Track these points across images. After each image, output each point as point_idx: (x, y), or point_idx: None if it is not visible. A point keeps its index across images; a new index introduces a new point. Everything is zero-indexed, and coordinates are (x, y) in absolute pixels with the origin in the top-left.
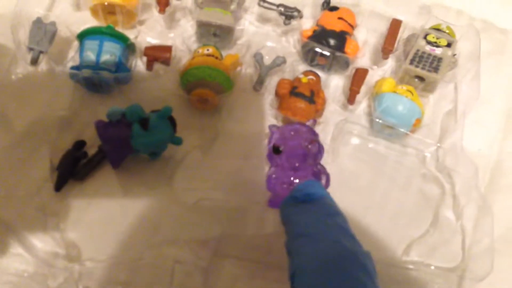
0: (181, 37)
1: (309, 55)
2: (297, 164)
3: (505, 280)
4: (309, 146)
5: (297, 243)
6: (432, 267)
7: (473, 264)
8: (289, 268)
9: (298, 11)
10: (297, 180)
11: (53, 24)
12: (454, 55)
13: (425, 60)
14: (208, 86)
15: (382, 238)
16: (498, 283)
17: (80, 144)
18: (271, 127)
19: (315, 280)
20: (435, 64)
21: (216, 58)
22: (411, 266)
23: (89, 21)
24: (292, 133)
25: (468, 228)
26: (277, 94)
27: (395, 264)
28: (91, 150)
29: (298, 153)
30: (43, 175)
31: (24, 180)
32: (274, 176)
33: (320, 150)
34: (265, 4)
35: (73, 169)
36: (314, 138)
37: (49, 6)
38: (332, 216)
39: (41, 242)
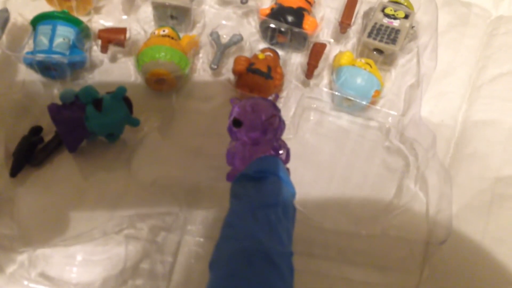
0: (138, 20)
1: (267, 33)
2: (256, 138)
3: (468, 244)
4: (270, 120)
5: (222, 232)
6: (397, 235)
7: (435, 229)
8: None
9: None
10: (255, 155)
11: (5, 10)
12: (413, 27)
13: (383, 33)
14: (163, 66)
15: (346, 209)
16: (460, 247)
17: (36, 130)
18: (233, 100)
19: (222, 273)
20: (392, 36)
21: (172, 38)
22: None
23: (44, 8)
24: (254, 106)
25: (431, 197)
26: (234, 71)
27: (360, 234)
28: (48, 136)
29: (258, 127)
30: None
31: None
32: (233, 150)
33: (280, 125)
34: None
35: (29, 154)
36: (275, 112)
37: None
38: (265, 207)
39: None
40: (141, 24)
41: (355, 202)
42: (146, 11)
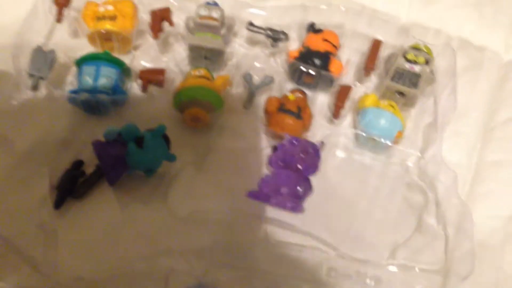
0: (174, 60)
1: (296, 75)
2: (282, 164)
3: (484, 282)
4: (301, 155)
5: None
6: (417, 269)
7: (455, 265)
8: None
9: (285, 34)
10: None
11: (52, 51)
12: (431, 71)
13: (405, 77)
14: (200, 105)
15: (369, 243)
16: (475, 283)
17: (78, 164)
18: (288, 135)
19: None
20: (414, 80)
21: (208, 79)
22: (396, 269)
23: (86, 48)
24: (296, 141)
25: (450, 233)
26: (266, 111)
27: (381, 266)
28: (89, 169)
29: (289, 156)
30: (43, 193)
31: (25, 199)
32: (266, 176)
33: (313, 166)
34: (253, 28)
35: (71, 187)
36: (312, 152)
37: (48, 35)
38: None
39: (41, 258)
40: (179, 65)
41: (377, 235)
42: (180, 51)
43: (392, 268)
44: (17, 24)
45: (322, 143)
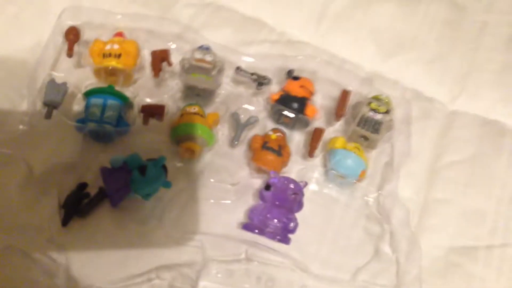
0: (170, 95)
1: (276, 115)
2: (277, 203)
3: None
4: (294, 195)
5: None
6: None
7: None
8: None
9: (268, 78)
10: (273, 218)
11: (65, 84)
12: (391, 120)
13: (368, 124)
14: (194, 140)
15: (334, 266)
16: None
17: (83, 186)
18: (273, 172)
19: None
20: (376, 127)
21: (201, 116)
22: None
23: (89, 78)
24: (286, 180)
25: (401, 259)
26: (250, 147)
27: (344, 285)
28: (92, 190)
29: (282, 196)
30: (52, 211)
31: (36, 215)
32: (257, 207)
33: (299, 204)
34: (241, 72)
35: (77, 207)
36: (299, 192)
37: (57, 65)
38: None
39: (51, 269)
40: (173, 99)
41: (341, 259)
42: (173, 86)
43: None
44: (25, 52)
45: (306, 183)
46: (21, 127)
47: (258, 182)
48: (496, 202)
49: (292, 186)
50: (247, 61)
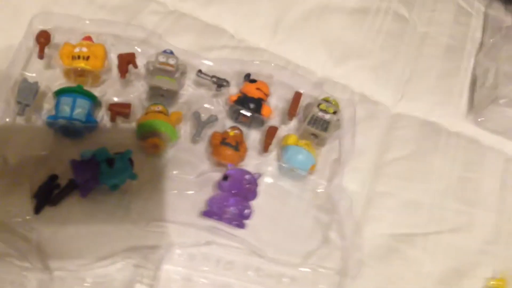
0: (136, 95)
1: (234, 115)
2: (233, 192)
3: (370, 284)
4: (249, 185)
5: None
6: (322, 270)
7: (349, 269)
8: None
9: (227, 81)
10: (229, 206)
11: (36, 83)
12: (338, 120)
13: (318, 123)
14: (158, 136)
15: (287, 251)
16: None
17: (53, 177)
18: (231, 165)
19: None
20: (325, 126)
21: (165, 114)
22: (306, 270)
23: (58, 79)
24: (242, 172)
25: (346, 246)
26: (210, 143)
27: (296, 267)
28: (62, 182)
29: (239, 186)
30: (25, 200)
31: (9, 204)
32: (216, 196)
33: (254, 193)
34: (202, 75)
35: (48, 196)
36: (254, 182)
37: (24, 66)
38: None
39: (23, 251)
40: (139, 99)
41: (293, 245)
42: (139, 87)
43: (304, 269)
44: None
45: (260, 175)
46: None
47: (217, 175)
48: (432, 195)
49: (247, 177)
50: (207, 65)
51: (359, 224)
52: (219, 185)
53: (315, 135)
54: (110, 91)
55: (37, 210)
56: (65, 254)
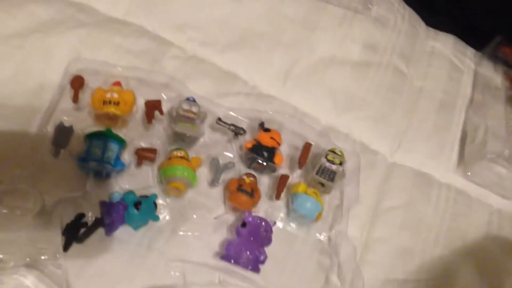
0: (158, 137)
1: (248, 161)
2: (251, 238)
3: None
4: (265, 232)
5: None
6: None
7: None
8: None
9: (244, 130)
10: (246, 251)
11: (71, 127)
12: (343, 170)
13: (325, 173)
14: (181, 180)
15: None
16: None
17: (81, 216)
18: (248, 212)
19: None
20: (332, 176)
21: (186, 159)
22: None
23: (86, 120)
24: (259, 220)
25: None
26: (227, 189)
27: None
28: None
29: (256, 232)
30: (57, 238)
31: (43, 241)
32: (233, 241)
33: (269, 240)
34: (221, 123)
35: (75, 234)
36: (269, 229)
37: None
38: None
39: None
40: (164, 145)
41: (298, 286)
42: (160, 130)
43: None
44: (30, 94)
45: (275, 222)
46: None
47: (232, 218)
48: (422, 242)
49: (264, 224)
50: (224, 112)
51: (359, 268)
52: (237, 231)
53: (322, 184)
54: (134, 133)
55: (66, 247)
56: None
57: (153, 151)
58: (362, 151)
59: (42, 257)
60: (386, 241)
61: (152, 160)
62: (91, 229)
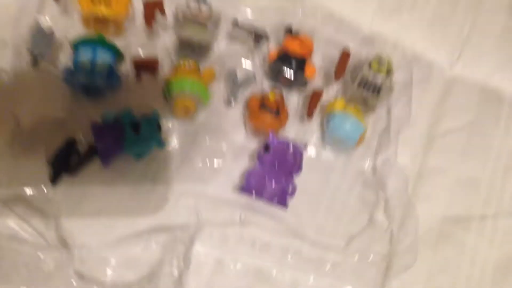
0: (165, 48)
1: (274, 74)
2: (276, 165)
3: (418, 273)
4: (292, 158)
5: None
6: (368, 257)
7: (399, 256)
8: None
9: (267, 35)
10: (271, 181)
11: (52, 33)
12: (391, 82)
13: (368, 85)
14: (190, 97)
15: (329, 233)
16: (413, 275)
17: (71, 142)
18: (272, 132)
19: None
20: (376, 89)
21: (196, 71)
22: (350, 256)
23: (76, 27)
24: (286, 143)
25: (395, 228)
26: (248, 107)
27: (338, 253)
28: (81, 147)
29: (282, 158)
30: (40, 168)
31: (23, 171)
32: (254, 170)
33: (299, 167)
34: (238, 27)
35: (66, 164)
36: (299, 155)
37: (38, 10)
38: None
39: (38, 226)
40: (167, 53)
41: (335, 227)
42: (166, 40)
43: (347, 256)
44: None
45: (306, 145)
46: (5, 77)
47: (255, 144)
48: (491, 171)
49: (291, 148)
50: (244, 15)
51: (411, 204)
52: (258, 157)
53: (365, 100)
54: (134, 43)
55: (54, 179)
56: (86, 230)
57: (154, 61)
58: (415, 62)
59: (27, 191)
60: (445, 171)
61: (153, 72)
62: (84, 158)
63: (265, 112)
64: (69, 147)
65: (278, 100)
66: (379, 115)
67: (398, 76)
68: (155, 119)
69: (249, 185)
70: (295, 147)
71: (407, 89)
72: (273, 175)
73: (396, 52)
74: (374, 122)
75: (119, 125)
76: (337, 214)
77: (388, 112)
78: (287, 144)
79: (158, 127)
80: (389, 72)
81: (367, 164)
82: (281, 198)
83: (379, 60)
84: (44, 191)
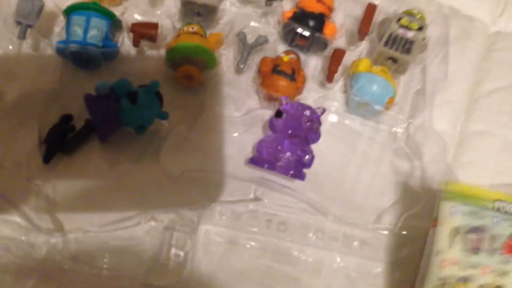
0: (167, 14)
1: (289, 36)
2: (290, 132)
3: None
4: (309, 124)
5: None
6: (402, 233)
7: None
8: None
9: None
10: (285, 151)
11: None
12: (425, 39)
13: (398, 43)
14: (193, 63)
15: (356, 207)
16: None
17: (67, 118)
18: (286, 97)
19: None
20: (407, 46)
21: (201, 36)
22: (381, 233)
23: None
24: (300, 107)
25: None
26: (259, 71)
27: (367, 229)
28: (78, 124)
29: (296, 124)
30: (32, 147)
31: (13, 151)
32: (266, 138)
33: (316, 134)
34: None
35: (61, 142)
36: (316, 120)
37: None
38: None
39: (30, 211)
40: (170, 19)
41: (363, 200)
42: (170, 5)
43: (378, 232)
44: None
45: (324, 110)
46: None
47: (268, 112)
48: None
49: (307, 112)
50: None
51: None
52: (270, 124)
53: (394, 59)
54: (133, 8)
55: (47, 158)
56: (82, 212)
57: (153, 25)
58: (452, 17)
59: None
60: (490, 135)
61: (153, 37)
62: (80, 135)
63: (278, 76)
64: (64, 123)
65: (293, 62)
66: (412, 75)
67: (433, 33)
68: (153, 88)
69: (260, 156)
70: (311, 111)
71: (444, 45)
72: (286, 144)
73: (430, 6)
74: (406, 82)
75: (115, 96)
76: (365, 186)
77: (422, 71)
78: (302, 109)
79: (159, 97)
80: (421, 27)
81: (399, 130)
82: (297, 170)
83: (409, 14)
84: (37, 171)
